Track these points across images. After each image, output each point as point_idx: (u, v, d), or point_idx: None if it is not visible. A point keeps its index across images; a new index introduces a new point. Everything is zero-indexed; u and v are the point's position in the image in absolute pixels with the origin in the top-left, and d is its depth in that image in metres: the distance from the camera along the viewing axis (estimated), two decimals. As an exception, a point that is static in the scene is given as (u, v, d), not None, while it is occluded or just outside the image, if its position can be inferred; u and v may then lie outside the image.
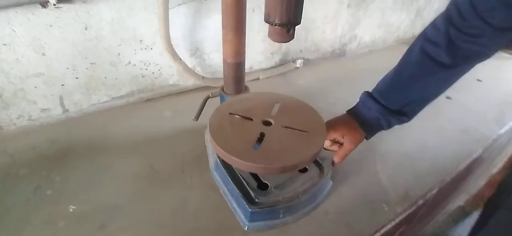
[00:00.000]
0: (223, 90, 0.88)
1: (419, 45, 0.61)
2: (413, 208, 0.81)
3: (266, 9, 0.54)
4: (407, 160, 0.96)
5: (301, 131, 0.70)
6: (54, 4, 0.87)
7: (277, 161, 0.61)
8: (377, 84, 0.70)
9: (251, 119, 0.73)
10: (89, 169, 0.86)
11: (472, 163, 0.99)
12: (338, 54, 1.67)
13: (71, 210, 0.75)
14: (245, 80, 0.91)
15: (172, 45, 1.03)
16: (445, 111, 1.22)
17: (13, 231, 0.70)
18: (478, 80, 1.46)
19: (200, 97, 0.92)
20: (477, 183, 0.87)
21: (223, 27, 0.77)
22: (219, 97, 0.91)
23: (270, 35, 0.58)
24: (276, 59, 1.43)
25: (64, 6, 0.89)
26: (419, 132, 1.08)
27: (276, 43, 1.32)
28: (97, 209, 0.75)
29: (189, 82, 1.17)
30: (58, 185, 0.82)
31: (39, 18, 0.89)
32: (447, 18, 0.56)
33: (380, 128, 0.70)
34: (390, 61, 0.70)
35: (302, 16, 0.56)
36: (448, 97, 1.31)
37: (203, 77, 1.15)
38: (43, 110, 1.03)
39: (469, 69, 0.60)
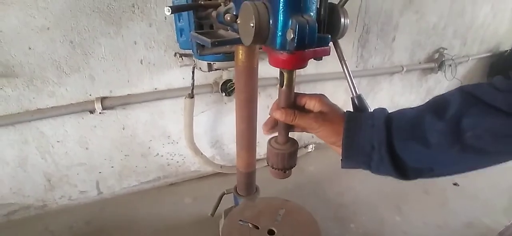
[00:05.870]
0: (236, 191, 1.01)
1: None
2: None
3: (267, 154, 0.67)
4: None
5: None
6: (99, 112, 1.05)
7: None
8: (403, 113, 0.47)
9: (258, 228, 0.84)
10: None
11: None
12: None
13: None
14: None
15: (195, 143, 1.18)
16: (451, 200, 1.23)
17: None
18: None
19: (217, 183, 1.04)
20: None
21: (237, 145, 0.91)
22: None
23: (270, 173, 0.70)
24: (288, 144, 1.55)
25: (107, 112, 1.08)
26: (422, 228, 1.12)
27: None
28: None
29: (209, 168, 1.31)
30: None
31: (87, 121, 1.07)
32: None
33: (367, 159, 0.48)
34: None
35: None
36: (455, 184, 1.33)
37: (221, 167, 1.29)
38: (82, 192, 1.19)
39: None
